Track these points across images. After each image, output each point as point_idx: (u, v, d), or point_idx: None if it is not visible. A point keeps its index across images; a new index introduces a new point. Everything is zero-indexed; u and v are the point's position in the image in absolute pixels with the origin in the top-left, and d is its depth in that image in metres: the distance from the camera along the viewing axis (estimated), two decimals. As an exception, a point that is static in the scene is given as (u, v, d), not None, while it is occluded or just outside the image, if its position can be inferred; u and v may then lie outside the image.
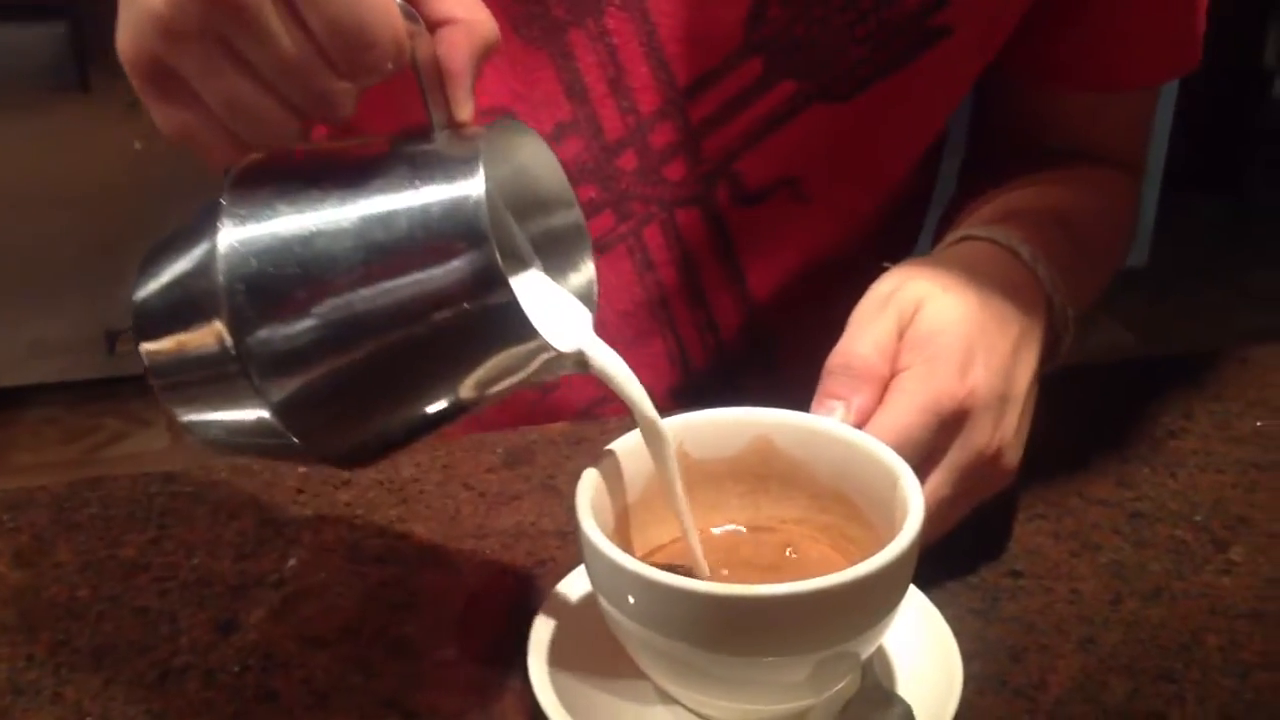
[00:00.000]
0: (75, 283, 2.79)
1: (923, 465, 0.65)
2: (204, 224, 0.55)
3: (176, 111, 0.55)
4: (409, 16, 0.54)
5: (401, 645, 0.66)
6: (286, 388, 0.55)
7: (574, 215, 0.62)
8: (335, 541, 0.73)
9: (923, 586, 0.68)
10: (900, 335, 0.69)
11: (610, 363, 0.60)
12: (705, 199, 0.88)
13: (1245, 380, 0.90)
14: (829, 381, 0.67)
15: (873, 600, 0.55)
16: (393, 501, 0.77)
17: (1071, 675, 0.64)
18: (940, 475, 0.67)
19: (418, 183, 0.53)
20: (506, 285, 0.52)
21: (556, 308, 0.61)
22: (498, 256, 0.52)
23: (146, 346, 0.57)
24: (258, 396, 0.55)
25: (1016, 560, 0.72)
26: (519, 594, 0.67)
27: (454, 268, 0.53)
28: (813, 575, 0.53)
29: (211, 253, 0.54)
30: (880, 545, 0.55)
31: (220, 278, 0.54)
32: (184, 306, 0.56)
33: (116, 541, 0.74)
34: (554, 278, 0.63)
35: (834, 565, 0.62)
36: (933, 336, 0.68)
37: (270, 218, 0.54)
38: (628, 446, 0.62)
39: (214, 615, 0.68)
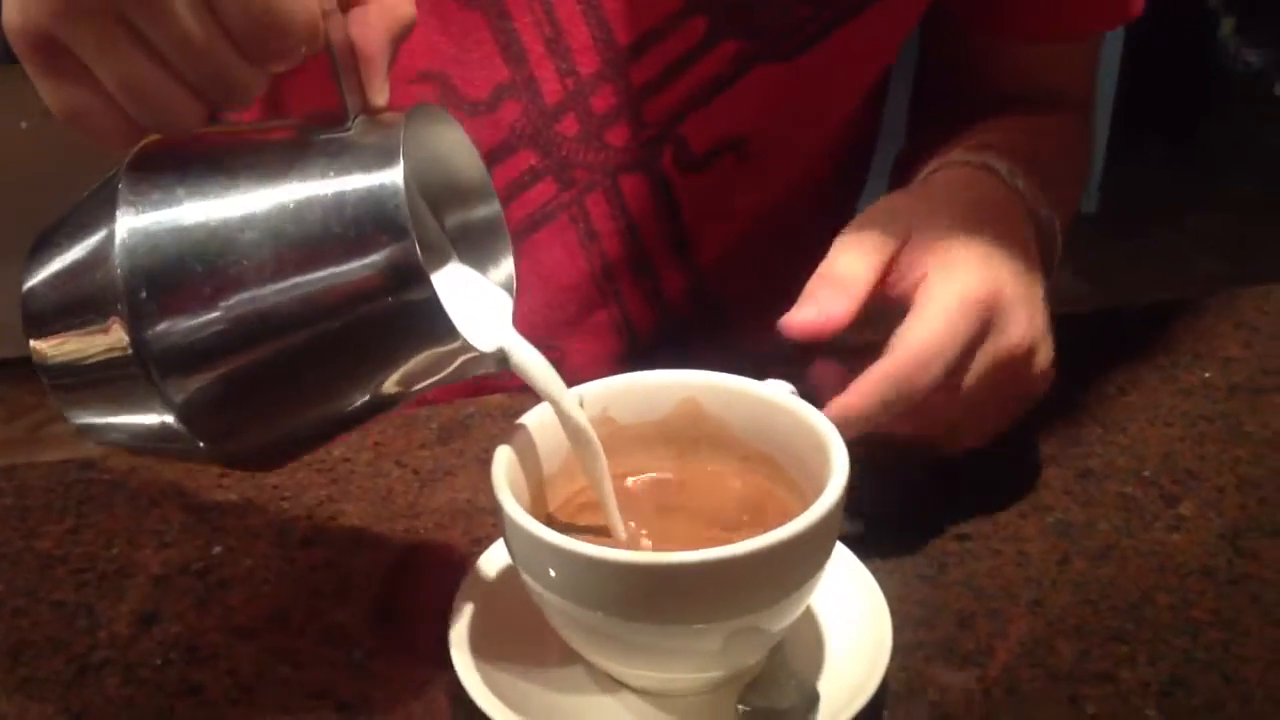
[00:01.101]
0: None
1: (957, 370, 0.65)
2: (99, 210, 0.52)
3: (68, 90, 0.50)
4: None
5: (332, 633, 0.64)
6: (189, 388, 0.51)
7: (493, 208, 0.60)
8: (262, 526, 0.71)
9: (867, 552, 0.66)
10: (891, 253, 0.67)
11: (531, 362, 0.58)
12: (649, 164, 0.86)
13: (1194, 331, 0.89)
14: (809, 288, 0.66)
15: (788, 567, 0.54)
16: (322, 482, 0.75)
17: (1020, 640, 0.63)
18: (975, 377, 0.66)
19: (333, 172, 0.50)
20: (427, 281, 0.50)
21: (476, 303, 0.58)
22: (418, 251, 0.49)
23: (37, 343, 0.53)
24: (159, 397, 0.52)
25: (963, 523, 0.70)
26: (455, 575, 0.65)
27: (371, 262, 0.50)
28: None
29: (108, 241, 0.51)
30: (804, 508, 0.54)
31: (118, 269, 0.50)
32: (78, 299, 0.52)
33: (33, 533, 0.71)
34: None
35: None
36: (942, 243, 0.67)
37: (173, 205, 0.51)
38: (546, 416, 0.60)
39: (135, 607, 0.66)
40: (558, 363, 0.87)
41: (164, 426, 0.53)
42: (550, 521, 0.61)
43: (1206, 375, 0.84)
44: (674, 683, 0.59)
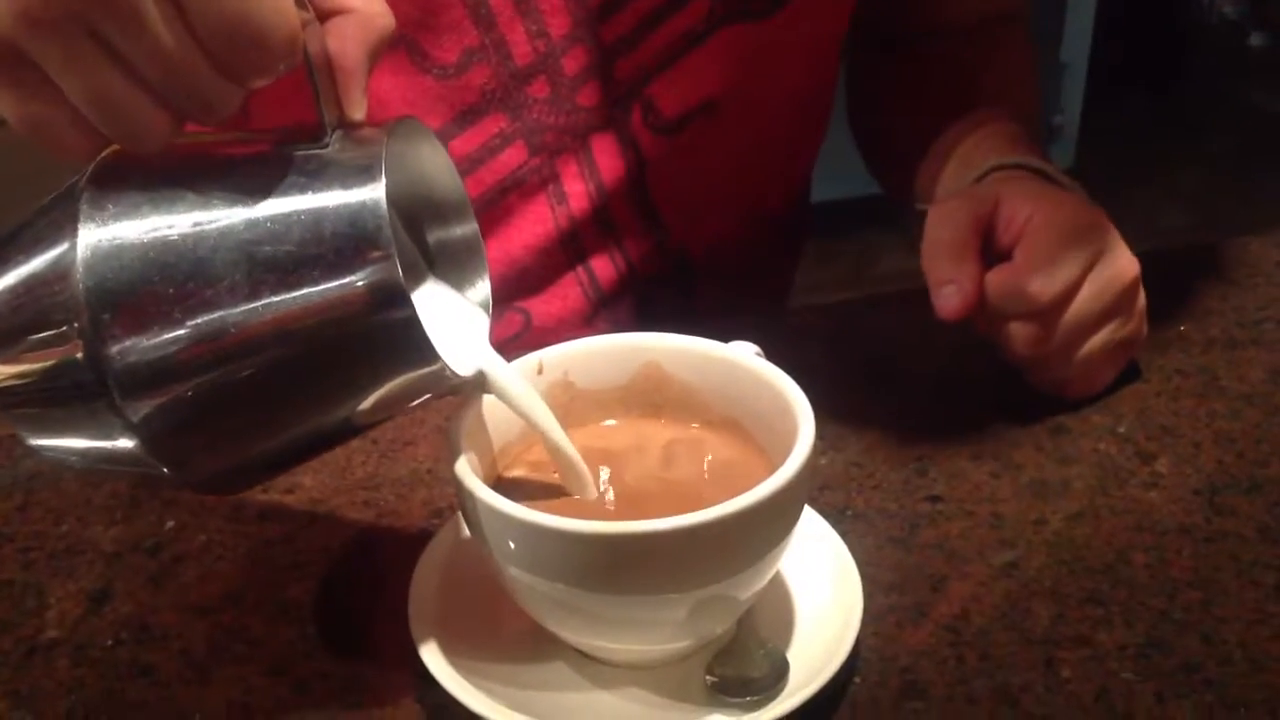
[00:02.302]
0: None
1: (1073, 288, 0.69)
2: (59, 222, 0.49)
3: (30, 103, 0.47)
4: (299, 4, 0.48)
5: (288, 610, 0.62)
6: (153, 411, 0.49)
7: (470, 227, 0.58)
8: (216, 501, 0.69)
9: (837, 516, 0.65)
10: (985, 213, 0.71)
11: (513, 385, 0.56)
12: (620, 124, 0.84)
13: (1170, 285, 0.87)
14: (929, 271, 0.70)
15: (756, 534, 0.52)
16: (279, 453, 0.72)
17: (994, 603, 0.61)
18: (1089, 299, 0.70)
19: (311, 189, 0.48)
20: (408, 302, 0.48)
21: (453, 323, 0.56)
22: (399, 271, 0.47)
23: None
24: (120, 421, 0.49)
25: (935, 485, 0.69)
26: (415, 547, 0.63)
27: (350, 282, 0.47)
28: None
29: (69, 256, 0.48)
30: (770, 474, 0.52)
31: (80, 284, 0.47)
32: (34, 316, 0.49)
33: (-21, 511, 0.69)
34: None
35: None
36: (1037, 194, 0.72)
37: (139, 219, 0.48)
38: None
39: (85, 586, 0.64)
40: (523, 326, 0.86)
41: (125, 451, 0.50)
42: (510, 482, 0.59)
43: (1182, 329, 0.82)
44: (640, 654, 0.57)
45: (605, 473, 0.60)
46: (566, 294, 0.87)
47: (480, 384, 0.55)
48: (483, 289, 0.58)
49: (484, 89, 0.81)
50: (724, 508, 0.50)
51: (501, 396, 0.56)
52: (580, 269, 0.87)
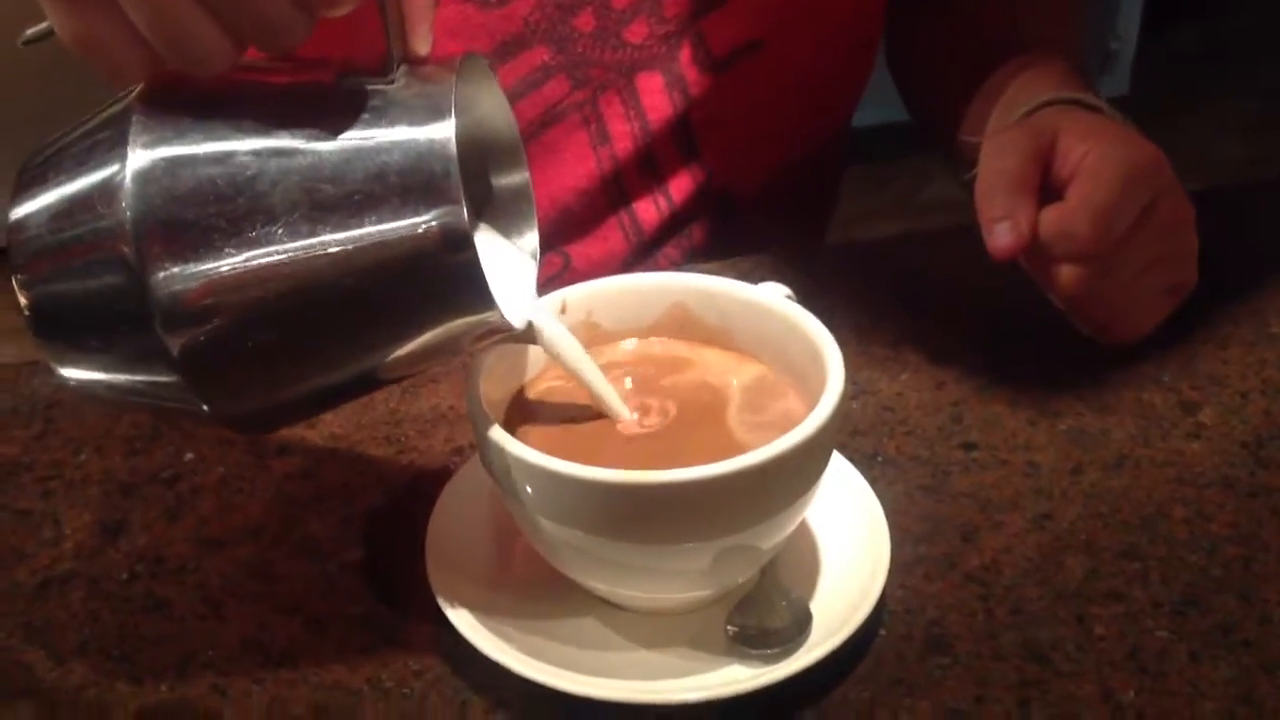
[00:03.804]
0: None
1: (1118, 246, 0.66)
2: (107, 141, 0.47)
3: (88, 17, 0.45)
4: None
5: (306, 546, 0.61)
6: (196, 345, 0.47)
7: (522, 175, 0.56)
8: (236, 434, 0.68)
9: (867, 462, 0.63)
10: (1044, 147, 0.68)
11: (563, 342, 0.55)
12: (667, 63, 0.81)
13: (1221, 225, 0.84)
14: (983, 208, 0.66)
15: (783, 483, 0.51)
16: (300, 386, 0.71)
17: (1026, 555, 0.60)
18: (1144, 241, 0.66)
19: (378, 126, 0.47)
20: (472, 246, 0.46)
21: (504, 272, 0.54)
22: (465, 215, 0.46)
23: (24, 278, 0.49)
24: (160, 352, 0.47)
25: (970, 431, 0.67)
26: (435, 486, 0.62)
27: (414, 225, 0.46)
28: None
29: (117, 178, 0.46)
30: (797, 421, 0.51)
31: (126, 210, 0.46)
32: (75, 238, 0.48)
33: (-2, 438, 0.68)
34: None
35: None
36: (1096, 130, 0.68)
37: (195, 144, 0.46)
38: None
39: (101, 517, 0.63)
40: (562, 267, 0.85)
41: (162, 385, 0.49)
42: (532, 405, 0.58)
43: (1234, 273, 0.79)
44: (659, 601, 0.56)
45: (636, 398, 0.58)
46: (608, 236, 0.86)
47: (527, 336, 0.54)
48: (531, 239, 0.56)
49: (527, 20, 0.79)
50: (749, 458, 0.49)
51: (549, 350, 0.55)
52: (623, 212, 0.85)
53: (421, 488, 0.63)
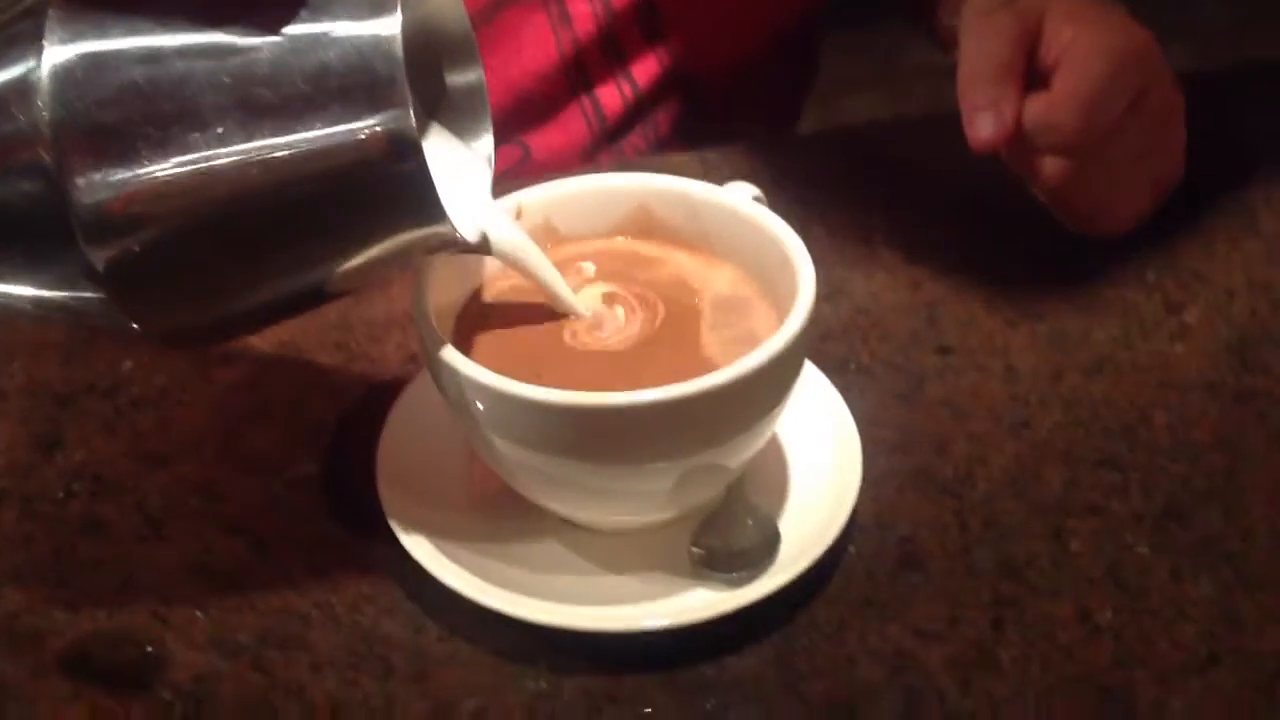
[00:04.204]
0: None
1: (1104, 138, 0.63)
2: (20, 35, 0.44)
3: None
4: None
5: (250, 461, 0.58)
6: (121, 258, 0.44)
7: (476, 73, 0.52)
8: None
9: (839, 369, 0.61)
10: (1028, 28, 0.64)
11: (522, 251, 0.52)
12: None
13: (1210, 111, 0.80)
14: (965, 97, 0.63)
15: (752, 401, 0.49)
16: (245, 288, 0.68)
17: (1003, 466, 0.58)
18: (1132, 130, 0.63)
19: (316, 21, 0.43)
20: (419, 153, 0.43)
21: (457, 178, 0.51)
22: (412, 119, 0.42)
23: None
24: (83, 266, 0.44)
25: (945, 334, 0.64)
26: (387, 396, 0.59)
27: (356, 130, 0.43)
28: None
29: (32, 76, 0.43)
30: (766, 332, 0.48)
31: (43, 111, 0.43)
32: None
33: (-76, 348, 0.65)
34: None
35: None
36: (1083, 10, 0.64)
37: (119, 38, 0.43)
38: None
39: (35, 431, 0.60)
40: (521, 159, 0.81)
41: (88, 301, 0.46)
42: (485, 314, 0.55)
43: (1221, 163, 0.76)
44: (621, 522, 0.54)
45: (596, 291, 0.55)
46: (569, 125, 0.81)
47: (483, 246, 0.51)
48: (486, 141, 0.53)
49: None
50: (714, 377, 0.47)
51: (507, 261, 0.52)
52: (585, 98, 0.81)
53: (373, 398, 0.61)
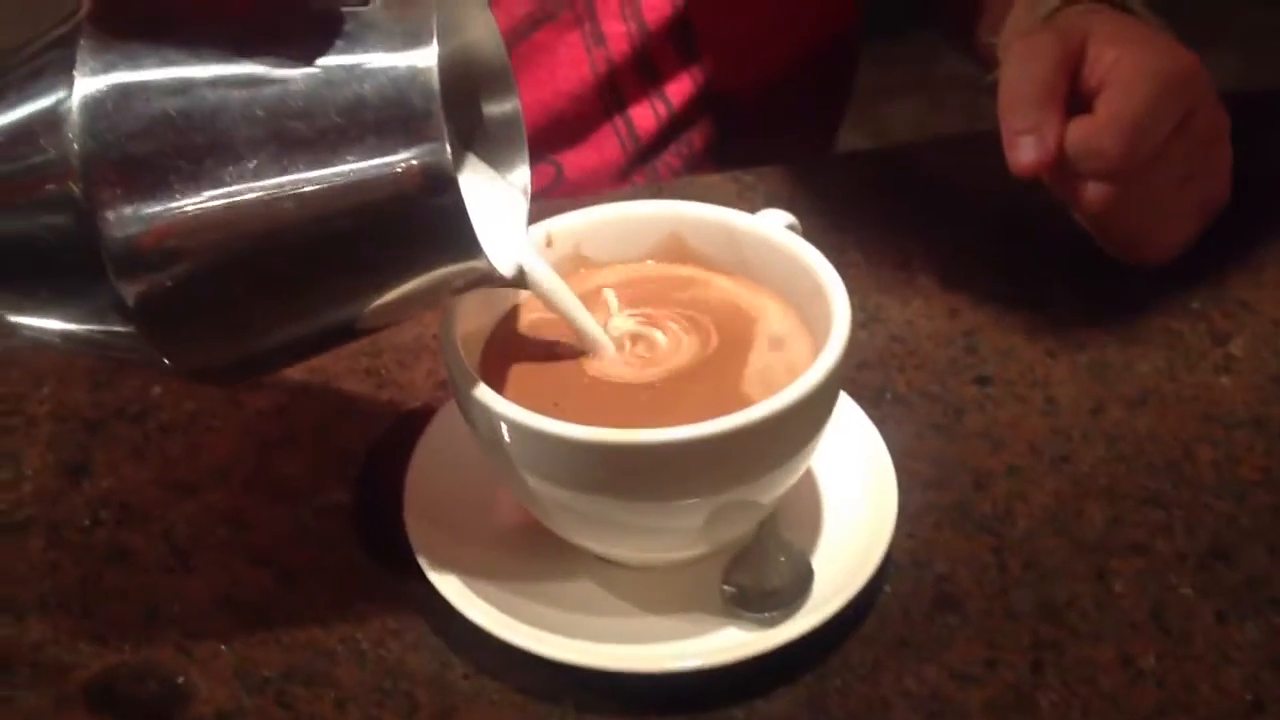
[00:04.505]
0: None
1: (1148, 164, 0.61)
2: (53, 66, 0.43)
3: None
4: None
5: (278, 490, 0.58)
6: (152, 294, 0.44)
7: (512, 103, 0.51)
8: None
9: (874, 399, 0.60)
10: (1072, 51, 0.62)
11: (555, 290, 0.51)
12: None
13: (1255, 135, 0.78)
14: (1006, 120, 0.61)
15: (786, 437, 0.48)
16: (275, 312, 0.67)
17: (1043, 503, 0.56)
18: (1176, 156, 0.62)
19: (352, 54, 0.42)
20: (456, 188, 0.42)
21: (492, 211, 0.50)
22: (448, 152, 0.42)
23: None
24: (113, 301, 0.44)
25: (984, 364, 0.63)
26: (417, 423, 0.58)
27: (392, 164, 0.42)
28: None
29: (63, 106, 0.42)
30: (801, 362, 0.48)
31: (73, 143, 0.42)
32: (17, 174, 0.44)
33: (-46, 370, 0.64)
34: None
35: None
36: (1127, 32, 0.63)
37: (152, 67, 0.42)
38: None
39: (64, 457, 0.59)
40: (554, 179, 0.80)
41: (117, 336, 0.46)
42: (513, 343, 0.54)
43: (1269, 189, 0.74)
44: (649, 558, 0.53)
45: (625, 323, 0.54)
46: (603, 144, 0.81)
47: (518, 281, 0.50)
48: (522, 173, 0.52)
49: None
50: (749, 414, 0.46)
51: (540, 296, 0.51)
52: (618, 118, 0.80)
53: (403, 425, 0.60)
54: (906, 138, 2.18)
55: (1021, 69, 0.62)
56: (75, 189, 0.43)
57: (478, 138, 0.52)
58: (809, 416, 0.48)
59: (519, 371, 0.52)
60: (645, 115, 0.80)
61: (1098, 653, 0.50)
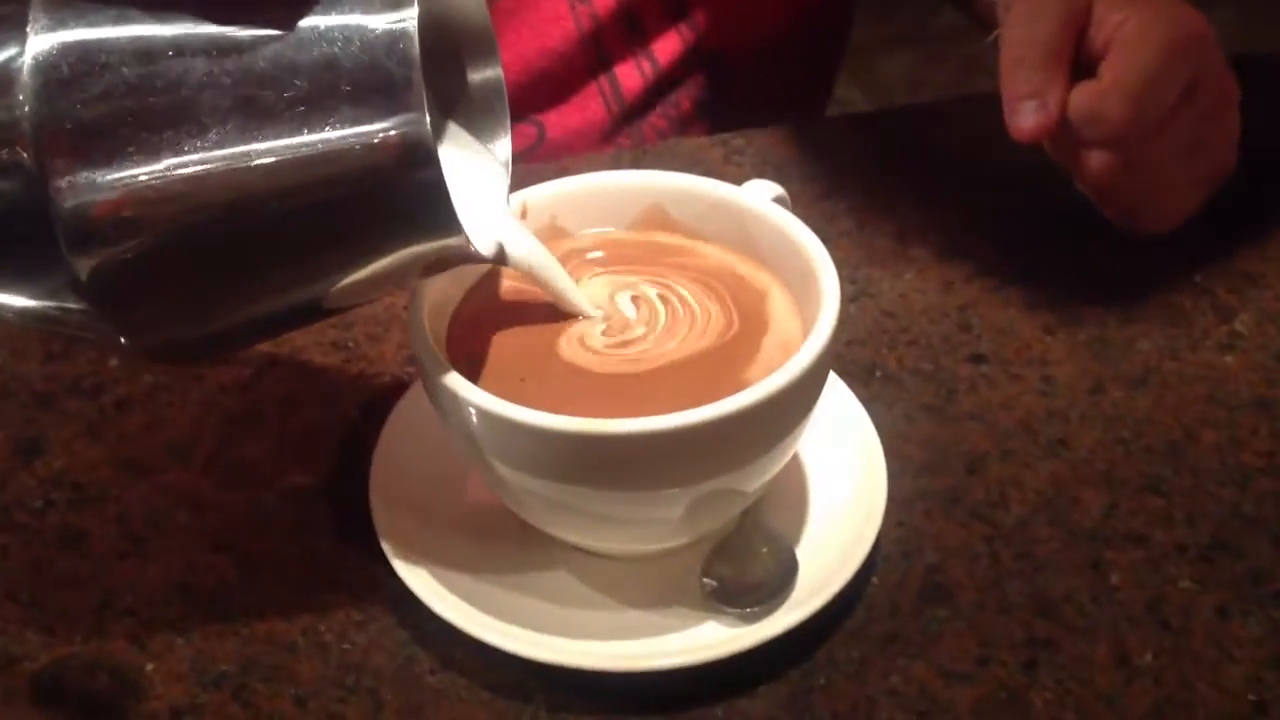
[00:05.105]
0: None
1: (1154, 131, 0.59)
2: (3, 16, 0.41)
3: None
4: None
5: (239, 471, 0.55)
6: (107, 267, 0.41)
7: (494, 71, 0.49)
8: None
9: (863, 377, 0.57)
10: (1077, 9, 0.59)
11: (536, 258, 0.48)
12: None
13: (1264, 99, 0.75)
14: (1007, 84, 0.59)
15: (771, 424, 0.45)
16: (240, 280, 0.64)
17: (1038, 489, 0.54)
18: (1183, 122, 0.59)
19: (326, 17, 0.39)
20: (435, 162, 0.39)
21: (471, 186, 0.47)
22: (428, 124, 0.39)
23: None
24: (66, 274, 0.41)
25: (979, 341, 0.60)
26: (385, 400, 0.56)
27: (367, 135, 0.39)
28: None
29: (13, 65, 0.40)
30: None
31: (24, 105, 0.39)
32: None
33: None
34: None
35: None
36: None
37: (111, 25, 0.40)
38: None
39: (14, 434, 0.57)
40: (536, 139, 0.77)
41: (71, 311, 0.43)
42: (484, 317, 0.51)
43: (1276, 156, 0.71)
44: (625, 548, 0.51)
45: (605, 287, 0.51)
46: (586, 104, 0.78)
47: (498, 259, 0.47)
48: (504, 145, 0.49)
49: None
50: (732, 402, 0.43)
51: (524, 272, 0.49)
52: (603, 77, 0.77)
53: (371, 402, 0.58)
54: (901, 91, 2.15)
55: (1025, 30, 0.59)
56: (24, 155, 0.40)
57: (457, 104, 0.49)
58: (797, 402, 0.46)
59: (488, 346, 0.49)
60: (631, 74, 0.77)
61: (1093, 650, 0.48)
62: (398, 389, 0.57)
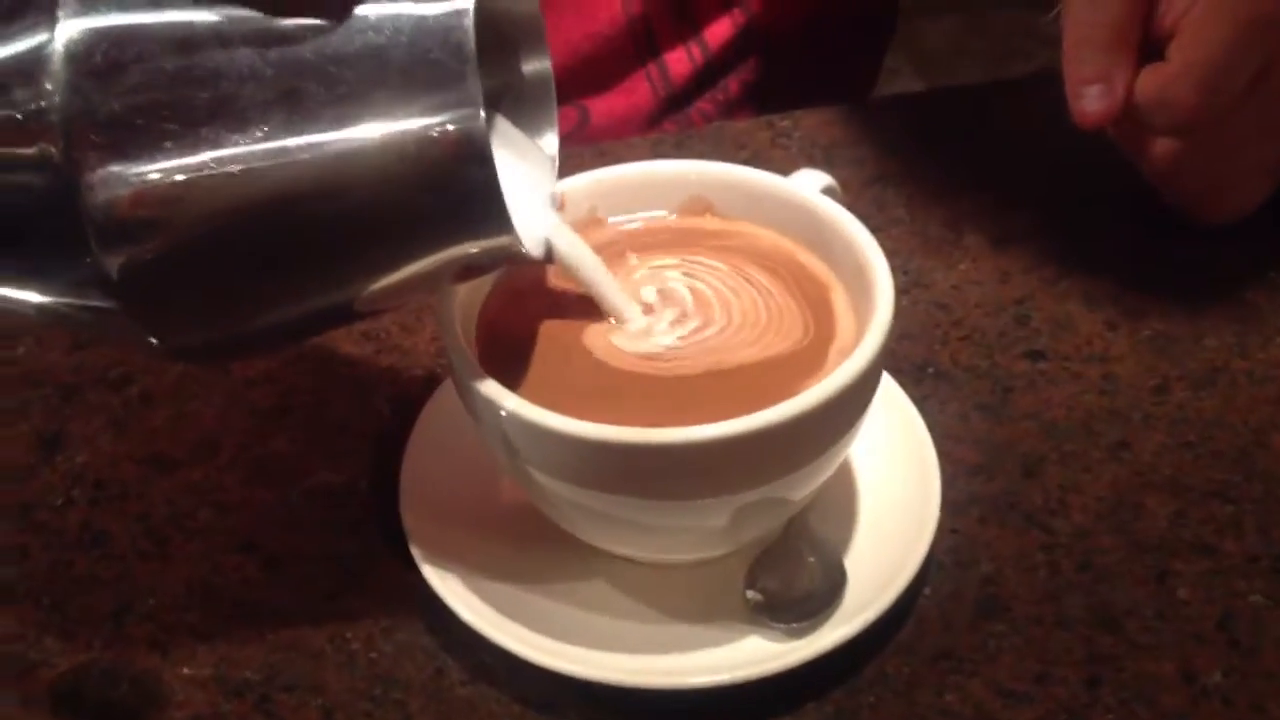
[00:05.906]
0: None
1: (1223, 118, 0.55)
2: (31, 5, 0.39)
3: None
4: None
5: (266, 468, 0.54)
6: (139, 267, 0.39)
7: (543, 63, 0.47)
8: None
9: (915, 375, 0.55)
10: None
11: (583, 259, 0.46)
12: None
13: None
14: (1072, 65, 0.56)
15: (820, 432, 0.43)
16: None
17: (1099, 495, 0.51)
18: (1254, 112, 0.56)
19: (376, 7, 0.38)
20: (488, 157, 0.38)
21: (518, 182, 0.45)
22: (482, 118, 0.37)
23: None
24: (95, 273, 0.39)
25: (1037, 336, 0.58)
26: (417, 394, 0.54)
27: (419, 131, 0.38)
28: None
29: (43, 53, 0.38)
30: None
31: (54, 96, 0.38)
32: None
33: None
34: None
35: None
36: None
37: (147, 12, 0.38)
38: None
39: (37, 427, 0.55)
40: (578, 122, 0.75)
41: (99, 311, 0.41)
42: (516, 314, 0.49)
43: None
44: (666, 558, 0.48)
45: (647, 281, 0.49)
46: (634, 89, 0.76)
47: (545, 258, 0.45)
48: (550, 140, 0.47)
49: None
50: (780, 410, 0.40)
51: (568, 272, 0.47)
52: (651, 64, 0.75)
53: (402, 396, 0.56)
54: (944, 58, 2.10)
55: (1090, 9, 0.56)
56: (53, 148, 0.38)
57: (502, 95, 0.47)
58: (849, 407, 0.43)
59: (520, 344, 0.47)
60: (680, 60, 0.75)
61: (1159, 667, 0.46)
62: (430, 383, 0.55)
